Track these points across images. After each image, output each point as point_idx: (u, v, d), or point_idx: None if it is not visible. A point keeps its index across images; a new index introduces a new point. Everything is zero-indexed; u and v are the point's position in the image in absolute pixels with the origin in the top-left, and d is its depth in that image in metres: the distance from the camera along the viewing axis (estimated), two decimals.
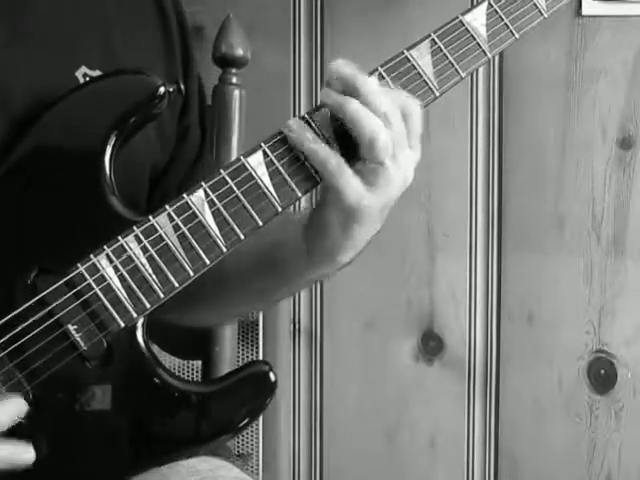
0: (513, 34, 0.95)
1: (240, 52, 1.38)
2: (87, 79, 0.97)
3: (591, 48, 1.77)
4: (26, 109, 0.92)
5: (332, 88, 0.88)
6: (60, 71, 0.96)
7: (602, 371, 1.82)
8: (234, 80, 1.38)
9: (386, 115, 0.87)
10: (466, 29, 0.94)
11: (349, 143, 0.88)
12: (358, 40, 1.80)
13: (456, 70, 0.93)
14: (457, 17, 0.94)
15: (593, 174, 1.80)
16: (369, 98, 0.87)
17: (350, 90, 0.87)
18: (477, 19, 0.94)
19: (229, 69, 1.38)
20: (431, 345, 1.87)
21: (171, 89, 0.92)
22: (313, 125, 0.89)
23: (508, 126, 1.81)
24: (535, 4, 0.96)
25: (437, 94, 0.93)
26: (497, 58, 1.78)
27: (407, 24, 1.78)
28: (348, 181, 0.87)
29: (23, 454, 0.85)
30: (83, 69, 0.97)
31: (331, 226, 0.91)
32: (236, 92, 1.37)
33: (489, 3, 0.95)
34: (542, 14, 0.96)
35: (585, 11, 1.76)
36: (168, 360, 1.42)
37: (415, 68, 0.92)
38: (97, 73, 0.98)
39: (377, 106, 0.87)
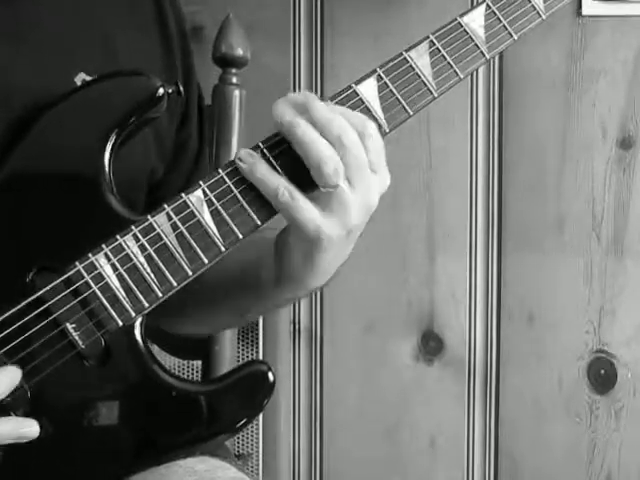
0: (511, 35, 0.96)
1: (240, 52, 1.38)
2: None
3: (591, 48, 1.78)
4: (25, 112, 0.92)
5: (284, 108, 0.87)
6: (59, 76, 0.96)
7: (602, 371, 1.82)
8: (234, 80, 1.38)
9: (339, 137, 0.85)
10: (464, 30, 0.94)
11: (306, 172, 0.87)
12: (358, 40, 1.80)
13: (455, 71, 0.93)
14: (455, 19, 0.94)
15: (593, 174, 1.80)
16: (318, 120, 0.85)
17: (300, 112, 0.87)
18: (475, 20, 0.94)
19: (229, 69, 1.38)
20: (431, 345, 1.87)
21: (170, 90, 0.93)
22: (268, 154, 0.88)
23: (508, 126, 1.81)
24: (533, 6, 0.96)
25: (436, 95, 0.93)
26: (497, 58, 1.78)
27: (407, 24, 1.79)
28: (302, 209, 0.86)
29: (28, 427, 0.84)
30: (82, 75, 0.97)
31: (293, 253, 0.90)
32: (236, 92, 1.37)
33: (487, 5, 0.95)
34: (540, 16, 0.96)
35: (585, 11, 1.76)
36: (168, 360, 1.42)
37: (414, 69, 0.92)
38: None
39: (328, 128, 0.85)
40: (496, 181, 1.83)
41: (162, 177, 1.08)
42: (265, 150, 0.89)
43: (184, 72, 1.09)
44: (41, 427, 0.85)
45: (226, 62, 1.38)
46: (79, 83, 0.97)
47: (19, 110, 0.92)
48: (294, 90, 1.85)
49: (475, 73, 1.79)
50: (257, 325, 1.52)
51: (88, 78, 0.97)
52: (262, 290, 0.98)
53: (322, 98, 0.90)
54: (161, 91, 0.92)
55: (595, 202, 1.80)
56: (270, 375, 0.91)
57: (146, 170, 1.05)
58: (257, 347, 1.53)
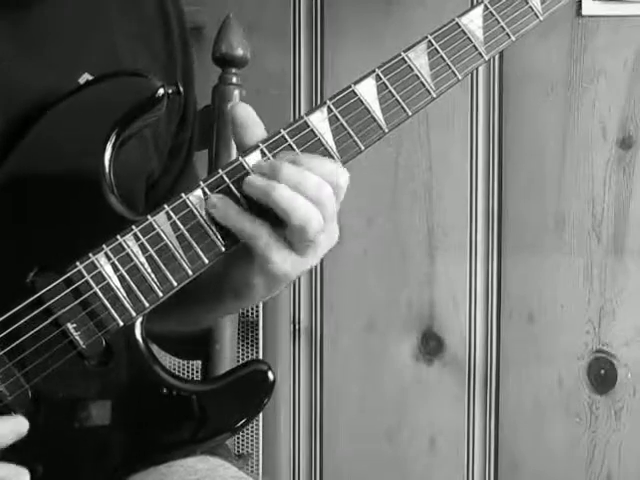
0: (509, 36, 0.96)
1: (240, 52, 1.38)
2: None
3: (591, 48, 1.78)
4: (28, 111, 0.92)
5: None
6: (63, 77, 0.96)
7: (602, 371, 1.82)
8: (234, 80, 1.38)
9: (316, 196, 0.86)
10: (462, 31, 0.94)
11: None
12: (358, 40, 1.81)
13: (453, 72, 0.94)
14: (453, 19, 0.94)
15: (593, 174, 1.80)
16: (291, 181, 0.85)
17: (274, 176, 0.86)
18: (473, 21, 0.95)
19: (229, 69, 1.38)
20: (431, 345, 1.87)
21: (170, 90, 0.93)
22: (235, 192, 0.88)
23: (508, 126, 1.81)
24: (531, 7, 0.96)
25: (434, 95, 0.93)
26: (497, 58, 1.78)
27: (407, 25, 1.79)
28: (278, 254, 0.87)
29: (18, 476, 0.85)
30: (86, 76, 0.97)
31: (256, 289, 0.92)
32: (236, 92, 1.38)
33: (485, 5, 0.95)
34: (538, 17, 0.97)
35: (585, 11, 1.76)
36: (168, 360, 1.42)
37: (412, 69, 0.92)
38: None
39: (304, 188, 0.85)
40: (496, 181, 1.83)
41: (156, 179, 1.09)
42: (265, 150, 0.89)
43: (184, 73, 1.09)
44: (42, 426, 0.86)
45: (226, 62, 1.38)
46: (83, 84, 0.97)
47: (22, 109, 0.92)
48: (294, 90, 1.85)
49: (475, 73, 1.79)
50: (257, 325, 1.52)
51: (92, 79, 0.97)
52: (218, 305, 1.00)
53: (322, 99, 0.90)
54: (161, 91, 0.92)
55: (595, 202, 1.80)
56: (270, 375, 0.91)
57: (146, 170, 1.05)
58: (257, 347, 1.53)
